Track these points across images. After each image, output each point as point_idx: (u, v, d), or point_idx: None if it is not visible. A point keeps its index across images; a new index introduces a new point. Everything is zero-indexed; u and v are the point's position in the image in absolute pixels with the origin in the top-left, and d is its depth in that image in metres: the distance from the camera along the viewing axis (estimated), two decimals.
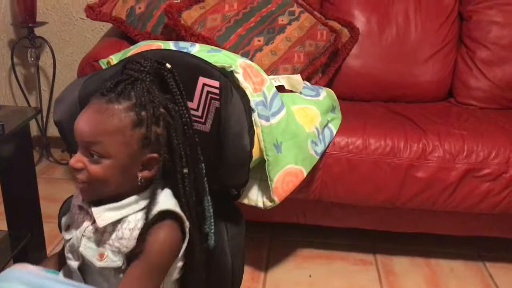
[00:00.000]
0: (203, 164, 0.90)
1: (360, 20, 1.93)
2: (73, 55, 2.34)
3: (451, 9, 1.94)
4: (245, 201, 1.34)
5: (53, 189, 2.04)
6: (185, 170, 0.86)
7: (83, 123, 0.81)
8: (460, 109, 1.85)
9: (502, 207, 1.53)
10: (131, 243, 0.81)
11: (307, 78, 1.71)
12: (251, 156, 0.93)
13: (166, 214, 0.82)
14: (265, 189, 1.33)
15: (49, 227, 1.54)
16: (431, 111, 1.78)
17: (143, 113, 0.81)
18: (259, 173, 1.32)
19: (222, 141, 0.92)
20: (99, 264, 0.82)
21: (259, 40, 1.61)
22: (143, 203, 0.83)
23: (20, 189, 1.37)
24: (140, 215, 0.83)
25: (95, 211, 0.83)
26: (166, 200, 0.84)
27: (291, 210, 1.65)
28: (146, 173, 0.84)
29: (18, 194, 1.37)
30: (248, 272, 1.59)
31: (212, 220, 0.93)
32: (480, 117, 1.74)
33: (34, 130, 2.35)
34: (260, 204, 1.34)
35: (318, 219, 1.70)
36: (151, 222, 0.81)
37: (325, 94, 1.58)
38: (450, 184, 1.51)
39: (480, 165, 1.51)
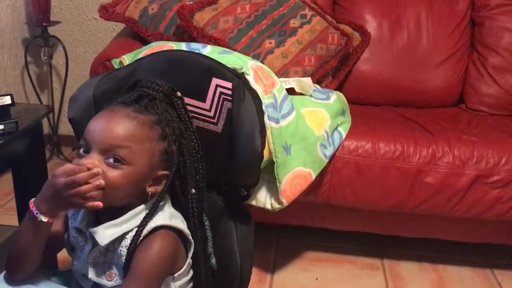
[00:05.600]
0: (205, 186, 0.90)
1: (371, 25, 1.93)
2: (86, 55, 2.37)
3: (463, 15, 1.94)
4: (253, 203, 1.35)
5: None
6: (193, 191, 0.87)
7: (111, 126, 0.80)
8: (471, 115, 1.84)
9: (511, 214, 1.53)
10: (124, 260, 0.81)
11: (318, 81, 1.71)
12: (262, 157, 0.94)
13: (160, 227, 0.82)
14: (274, 191, 1.33)
15: None
16: (441, 116, 1.78)
17: (167, 129, 0.84)
18: (268, 174, 1.33)
19: (233, 142, 0.92)
20: (109, 284, 0.83)
21: (270, 43, 1.62)
22: (142, 218, 0.82)
23: (32, 185, 1.37)
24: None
25: (94, 231, 0.81)
26: (163, 214, 0.84)
27: (299, 213, 1.66)
28: (154, 189, 0.84)
29: (30, 190, 1.37)
30: (255, 274, 1.58)
31: (211, 241, 0.93)
32: (491, 124, 1.73)
33: (45, 128, 2.37)
34: (268, 206, 1.35)
35: (326, 223, 1.70)
36: (143, 237, 0.80)
37: (335, 98, 1.58)
38: (459, 190, 1.51)
39: (490, 172, 1.50)
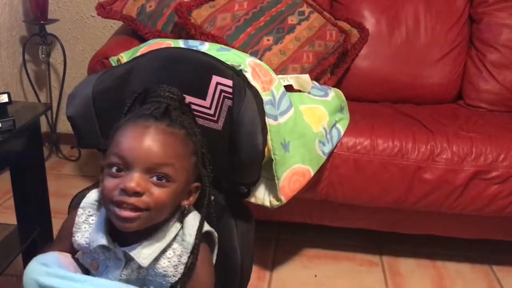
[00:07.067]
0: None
1: (369, 21, 1.93)
2: (84, 53, 2.36)
3: (461, 11, 1.94)
4: (252, 200, 1.35)
5: (61, 185, 2.06)
6: (212, 197, 0.87)
7: (152, 144, 0.78)
8: (469, 111, 1.84)
9: (510, 210, 1.53)
10: (180, 269, 0.81)
11: (316, 78, 1.71)
12: (263, 155, 0.94)
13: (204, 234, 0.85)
14: (272, 188, 1.33)
15: (57, 222, 1.55)
16: (439, 113, 1.78)
17: (197, 143, 0.84)
18: (267, 172, 1.33)
19: (234, 140, 0.92)
20: None
21: (268, 40, 1.62)
22: (175, 230, 0.83)
23: (30, 183, 1.38)
24: (181, 241, 0.83)
25: (135, 252, 0.79)
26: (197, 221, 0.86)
27: (298, 209, 1.66)
28: (188, 202, 0.84)
29: (28, 188, 1.38)
30: (254, 271, 1.57)
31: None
32: (489, 120, 1.73)
33: (43, 126, 2.36)
34: (267, 203, 1.35)
35: (325, 219, 1.70)
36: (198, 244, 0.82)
37: (334, 94, 1.58)
38: (458, 186, 1.51)
39: (488, 168, 1.50)
